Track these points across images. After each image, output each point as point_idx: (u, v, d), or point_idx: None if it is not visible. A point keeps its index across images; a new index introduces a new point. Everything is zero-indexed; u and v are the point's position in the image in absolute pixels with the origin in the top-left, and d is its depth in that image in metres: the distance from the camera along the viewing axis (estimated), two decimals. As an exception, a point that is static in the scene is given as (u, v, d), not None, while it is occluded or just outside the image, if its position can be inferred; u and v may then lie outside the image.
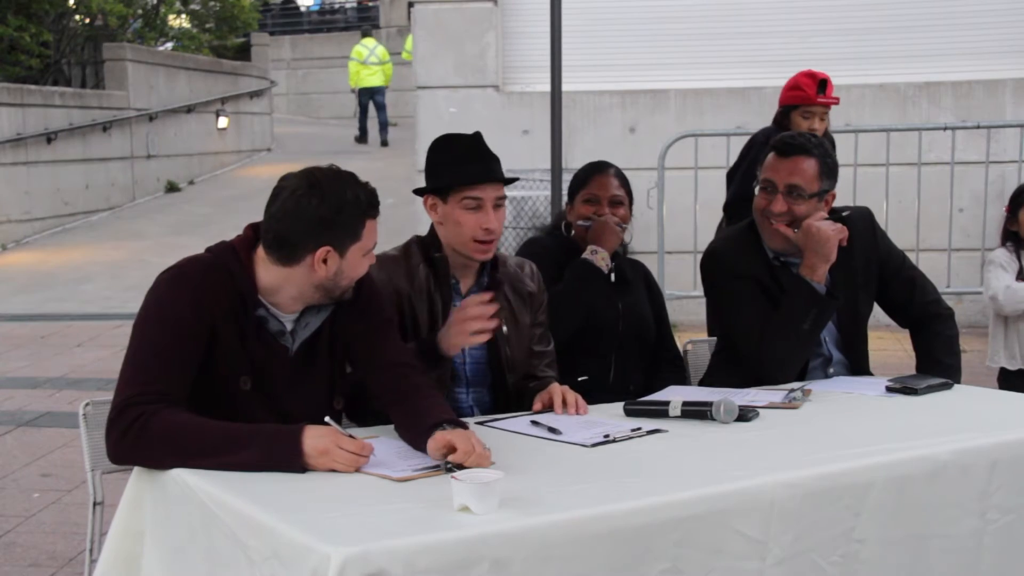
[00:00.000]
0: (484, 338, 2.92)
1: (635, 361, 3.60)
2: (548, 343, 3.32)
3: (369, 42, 18.22)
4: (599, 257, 3.52)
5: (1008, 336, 4.44)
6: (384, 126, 18.19)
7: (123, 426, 2.41)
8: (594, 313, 3.53)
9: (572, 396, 2.97)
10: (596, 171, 3.69)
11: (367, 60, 17.97)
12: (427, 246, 3.12)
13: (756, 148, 5.35)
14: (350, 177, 2.61)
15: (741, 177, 5.37)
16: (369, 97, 18.17)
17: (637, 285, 3.72)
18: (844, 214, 3.42)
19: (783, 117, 5.23)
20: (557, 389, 2.98)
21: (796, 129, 5.13)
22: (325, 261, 2.55)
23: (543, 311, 3.31)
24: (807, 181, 3.31)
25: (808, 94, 5.11)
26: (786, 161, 3.33)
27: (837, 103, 5.21)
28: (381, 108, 18.12)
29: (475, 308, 2.88)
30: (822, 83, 5.09)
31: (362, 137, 18.50)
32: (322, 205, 2.53)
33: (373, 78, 17.88)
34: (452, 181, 3.03)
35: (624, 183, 3.69)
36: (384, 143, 17.92)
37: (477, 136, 3.10)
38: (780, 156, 3.35)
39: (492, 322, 2.88)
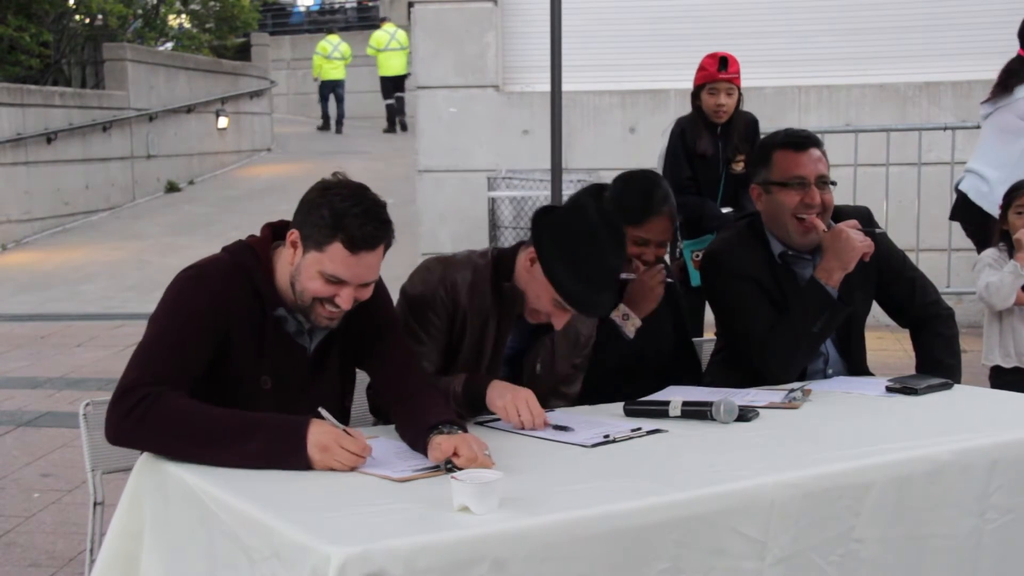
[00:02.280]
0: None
1: (649, 385, 3.30)
2: (574, 385, 3.17)
3: (333, 39, 19.80)
4: (629, 324, 3.23)
5: (1003, 334, 4.44)
6: (341, 116, 20.00)
7: (126, 407, 2.40)
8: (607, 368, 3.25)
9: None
10: (654, 212, 3.26)
11: (331, 55, 19.55)
12: (500, 266, 2.95)
13: (675, 138, 5.47)
14: (364, 203, 2.51)
15: (671, 168, 5.47)
16: (331, 89, 19.88)
17: (661, 313, 3.40)
18: (878, 231, 3.41)
19: (695, 99, 5.44)
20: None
21: (705, 105, 5.34)
22: (294, 245, 2.55)
23: (585, 355, 3.17)
24: (828, 170, 3.36)
25: (711, 71, 5.33)
26: (805, 154, 3.33)
27: (737, 78, 5.34)
28: (340, 100, 19.89)
29: (526, 414, 2.69)
30: (723, 60, 5.32)
31: (325, 125, 20.10)
32: (315, 192, 2.54)
33: (335, 72, 19.57)
34: (569, 300, 2.80)
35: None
36: (339, 131, 19.91)
37: (615, 267, 2.88)
38: (798, 150, 3.34)
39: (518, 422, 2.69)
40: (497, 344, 2.96)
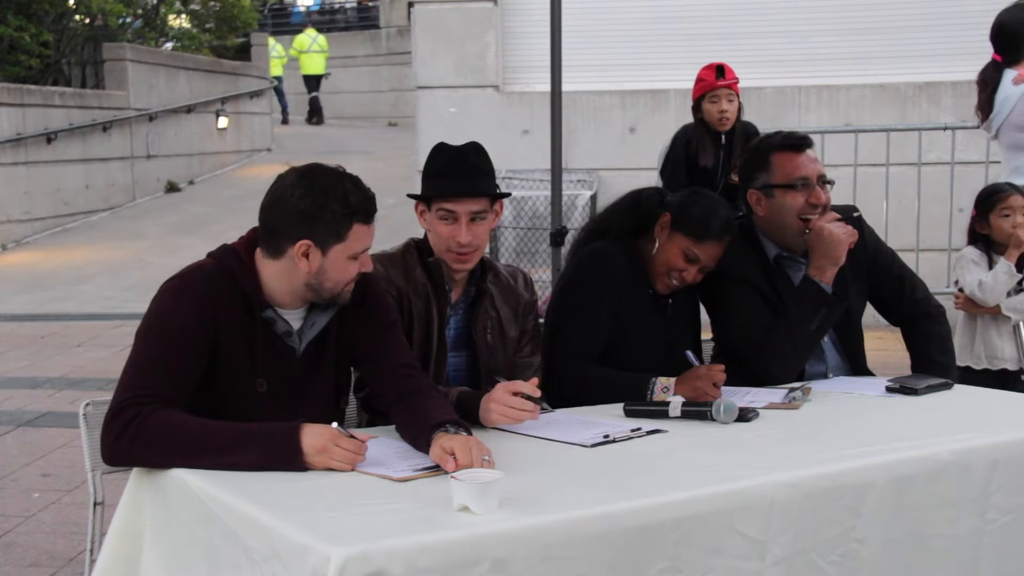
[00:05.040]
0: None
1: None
2: (534, 353, 3.24)
3: (271, 40, 21.59)
4: (663, 397, 3.07)
5: (974, 335, 4.47)
6: (285, 108, 21.82)
7: (119, 427, 2.41)
8: None
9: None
10: (714, 236, 3.24)
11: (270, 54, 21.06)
12: (422, 250, 3.11)
13: (678, 146, 5.51)
14: (347, 177, 2.58)
15: (670, 175, 5.51)
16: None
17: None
18: (855, 215, 3.43)
19: (697, 110, 5.48)
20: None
21: (708, 115, 5.38)
22: (307, 256, 2.55)
23: (533, 319, 3.26)
24: (824, 170, 3.38)
25: (709, 81, 5.40)
26: (804, 155, 3.36)
27: (735, 84, 5.40)
28: (282, 94, 21.67)
29: (519, 400, 2.68)
30: (720, 68, 5.39)
31: (284, 119, 21.53)
32: (305, 198, 2.53)
33: (274, 69, 20.92)
34: (428, 192, 3.05)
35: None
36: (284, 121, 21.38)
37: (467, 148, 3.05)
38: (797, 151, 3.36)
39: (531, 415, 2.68)
40: (440, 322, 3.06)
